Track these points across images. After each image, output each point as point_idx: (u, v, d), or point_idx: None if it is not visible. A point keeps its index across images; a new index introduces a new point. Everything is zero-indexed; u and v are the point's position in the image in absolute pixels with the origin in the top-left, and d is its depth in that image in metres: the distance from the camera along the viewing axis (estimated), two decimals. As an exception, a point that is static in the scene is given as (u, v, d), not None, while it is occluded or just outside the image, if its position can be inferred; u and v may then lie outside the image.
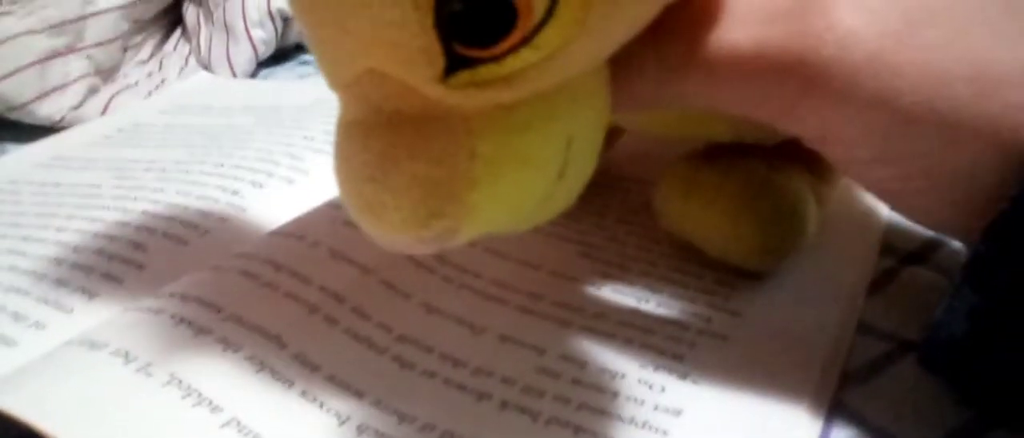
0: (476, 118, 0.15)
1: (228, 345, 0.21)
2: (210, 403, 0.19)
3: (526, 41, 0.14)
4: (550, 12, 0.14)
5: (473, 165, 0.15)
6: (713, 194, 0.24)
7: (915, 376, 0.22)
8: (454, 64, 0.14)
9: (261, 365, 0.21)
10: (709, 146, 0.26)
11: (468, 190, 0.15)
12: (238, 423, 0.19)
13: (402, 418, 0.19)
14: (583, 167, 0.17)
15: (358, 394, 0.20)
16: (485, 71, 0.14)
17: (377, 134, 0.15)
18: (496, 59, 0.14)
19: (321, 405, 0.20)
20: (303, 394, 0.20)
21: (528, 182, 0.16)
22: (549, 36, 0.14)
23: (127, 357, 0.20)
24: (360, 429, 0.19)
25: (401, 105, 0.15)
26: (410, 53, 0.14)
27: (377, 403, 0.20)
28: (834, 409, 0.21)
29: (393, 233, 0.15)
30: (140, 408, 0.19)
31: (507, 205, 0.16)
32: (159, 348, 0.21)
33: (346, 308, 0.23)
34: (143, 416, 0.19)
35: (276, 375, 0.20)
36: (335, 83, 0.16)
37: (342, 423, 0.19)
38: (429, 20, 0.14)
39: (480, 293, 0.24)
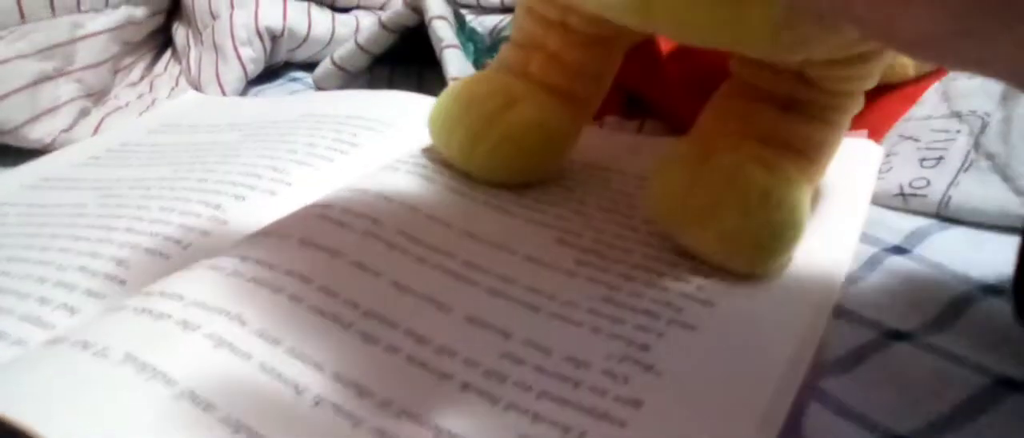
0: None
1: (187, 326, 0.21)
2: (164, 377, 0.19)
3: None
4: None
5: None
6: (710, 212, 0.24)
7: (898, 364, 0.21)
8: None
9: (219, 341, 0.21)
10: (703, 142, 0.26)
11: None
12: (192, 394, 0.19)
13: (361, 392, 0.19)
14: None
15: (317, 366, 0.20)
16: None
17: None
18: None
19: (279, 376, 0.20)
20: (261, 366, 0.20)
21: None
22: None
23: (85, 345, 0.20)
24: (316, 401, 0.19)
25: None
26: None
27: (336, 377, 0.20)
28: (814, 397, 0.21)
29: None
30: (91, 383, 0.19)
31: None
32: (117, 335, 0.21)
33: (313, 287, 0.23)
34: (94, 390, 0.19)
35: (234, 350, 0.20)
36: None
37: (298, 394, 0.19)
38: None
39: (451, 273, 0.24)
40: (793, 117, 0.26)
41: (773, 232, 0.24)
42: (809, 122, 0.26)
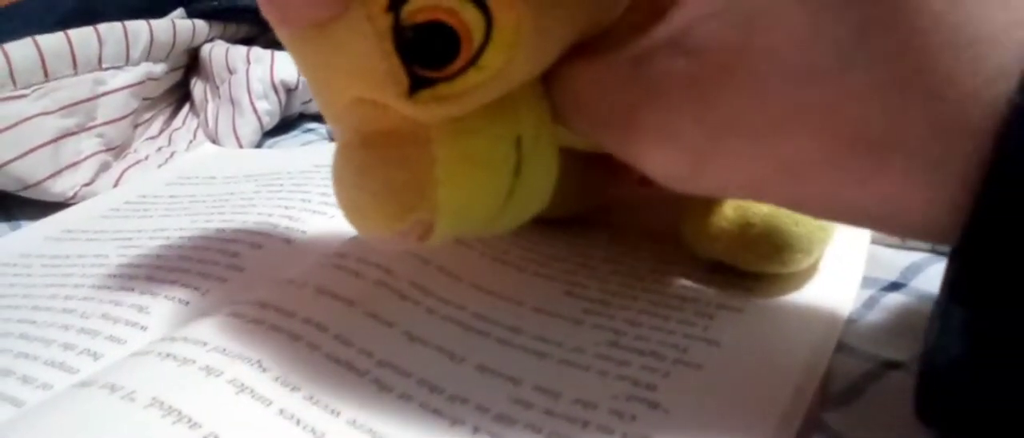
0: (435, 129, 0.19)
1: (210, 372, 0.22)
2: (189, 420, 0.20)
3: (472, 63, 0.18)
4: (487, 38, 0.17)
5: (434, 167, 0.19)
6: (733, 214, 0.26)
7: (895, 393, 0.22)
8: (417, 84, 0.18)
9: (241, 387, 0.21)
10: None
11: (433, 188, 0.19)
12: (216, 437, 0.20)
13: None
14: (542, 165, 0.20)
15: (334, 413, 0.21)
16: (442, 89, 0.18)
17: (358, 150, 0.19)
18: (449, 79, 0.18)
19: (297, 422, 0.20)
20: (281, 412, 0.21)
21: (483, 179, 0.20)
22: (490, 58, 0.18)
23: (113, 388, 0.21)
24: None
25: (377, 125, 0.19)
26: (380, 77, 0.18)
27: (352, 422, 0.21)
28: (815, 431, 0.21)
29: (377, 230, 0.19)
30: (119, 425, 0.20)
31: (469, 200, 0.20)
32: (143, 379, 0.22)
33: (329, 336, 0.24)
34: (122, 432, 0.20)
35: (255, 396, 0.21)
36: (330, 116, 0.20)
37: None
38: (389, 47, 0.17)
39: (462, 324, 0.25)
40: None
41: (792, 231, 0.25)
42: None
